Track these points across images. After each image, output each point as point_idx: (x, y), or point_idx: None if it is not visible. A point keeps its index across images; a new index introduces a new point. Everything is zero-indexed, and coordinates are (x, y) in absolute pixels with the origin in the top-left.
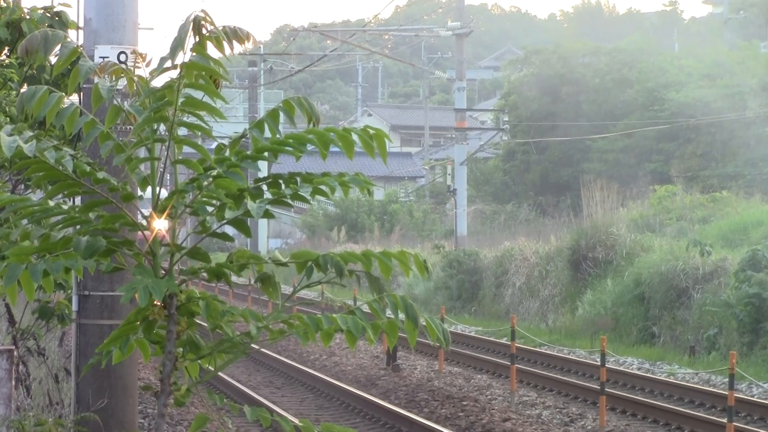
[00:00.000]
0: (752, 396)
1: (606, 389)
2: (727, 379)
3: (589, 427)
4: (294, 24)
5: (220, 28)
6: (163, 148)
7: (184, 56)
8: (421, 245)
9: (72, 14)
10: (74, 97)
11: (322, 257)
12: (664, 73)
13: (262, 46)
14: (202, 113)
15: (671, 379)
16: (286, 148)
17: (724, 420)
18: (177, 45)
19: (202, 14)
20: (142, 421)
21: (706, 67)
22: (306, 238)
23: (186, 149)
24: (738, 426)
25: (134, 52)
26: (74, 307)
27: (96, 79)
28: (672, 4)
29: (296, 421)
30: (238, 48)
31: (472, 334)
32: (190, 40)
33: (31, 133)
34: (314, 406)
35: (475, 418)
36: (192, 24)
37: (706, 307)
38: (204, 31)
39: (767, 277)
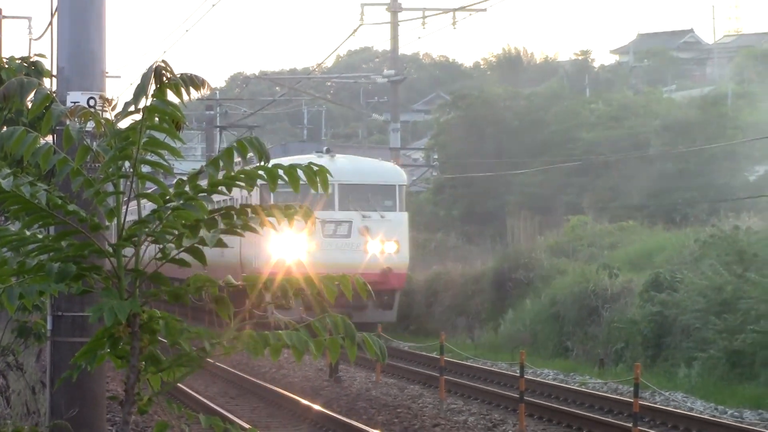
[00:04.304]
0: (655, 403)
1: (525, 398)
2: (632, 388)
3: (510, 431)
4: (246, 72)
5: (179, 76)
6: (128, 183)
7: (146, 101)
8: None
9: (47, 64)
10: (49, 138)
11: (269, 281)
12: (576, 115)
13: (217, 91)
14: (163, 152)
15: (583, 389)
16: (239, 183)
17: (630, 425)
18: (140, 91)
19: (162, 64)
20: (110, 428)
21: (614, 110)
22: None
23: (149, 184)
24: (642, 430)
25: (102, 97)
26: (49, 326)
27: (67, 122)
28: (583, 53)
29: (247, 426)
30: (195, 94)
31: (406, 348)
32: (152, 87)
33: (8, 170)
34: (265, 414)
35: (408, 424)
36: (153, 72)
37: (614, 324)
38: (164, 78)
39: (668, 297)
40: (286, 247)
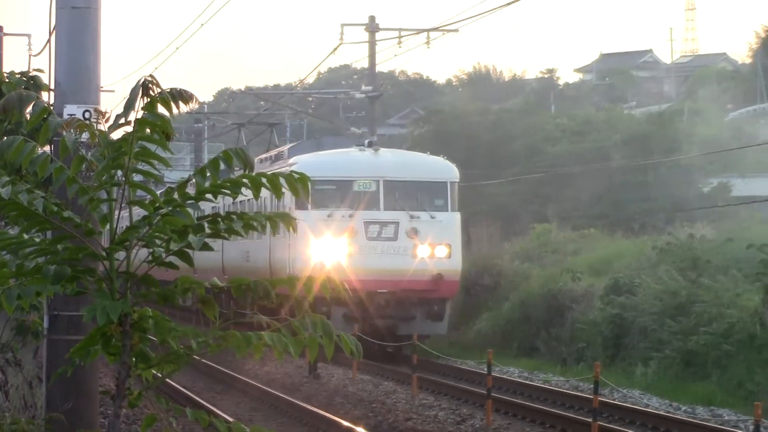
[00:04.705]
0: (613, 399)
1: (492, 394)
2: (592, 386)
3: (478, 425)
4: (233, 87)
5: (168, 90)
6: (120, 191)
7: (136, 114)
8: None
9: (45, 78)
10: (46, 148)
11: (253, 282)
12: (542, 129)
13: (206, 105)
14: (153, 162)
15: (546, 386)
16: (224, 190)
17: (590, 419)
18: (129, 105)
19: (150, 79)
20: (103, 420)
21: (578, 125)
22: None
23: (140, 192)
24: (601, 425)
25: (96, 110)
26: (45, 324)
27: (64, 133)
28: (549, 71)
29: (231, 420)
30: (184, 107)
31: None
32: (141, 101)
33: (7, 179)
34: (248, 408)
35: (383, 418)
36: (141, 87)
37: (577, 325)
38: (151, 92)
39: (627, 301)
40: (325, 251)
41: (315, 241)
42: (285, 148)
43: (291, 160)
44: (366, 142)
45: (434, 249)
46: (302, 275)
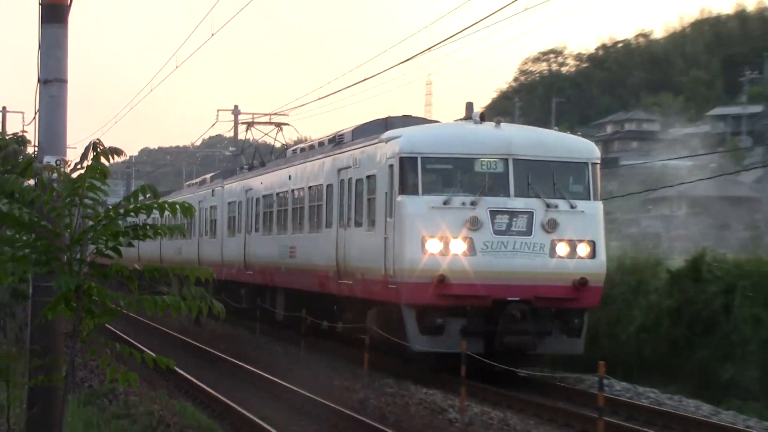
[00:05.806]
0: None
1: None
2: None
3: (302, 356)
4: (150, 146)
5: (107, 148)
6: (77, 209)
7: (87, 162)
8: None
9: (30, 136)
10: (31, 182)
11: (158, 268)
12: None
13: (133, 157)
14: (98, 192)
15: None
16: (143, 211)
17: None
18: (83, 157)
19: (97, 141)
20: (66, 350)
21: None
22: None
23: (89, 210)
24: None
25: (63, 159)
26: (30, 291)
27: (43, 173)
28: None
29: (145, 350)
30: (118, 158)
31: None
32: (91, 154)
33: (6, 200)
34: (157, 344)
35: (241, 349)
36: (91, 146)
37: None
38: (98, 149)
39: None
40: (440, 248)
41: (427, 234)
42: (348, 129)
43: (386, 135)
44: (478, 114)
45: (575, 247)
46: (410, 279)
